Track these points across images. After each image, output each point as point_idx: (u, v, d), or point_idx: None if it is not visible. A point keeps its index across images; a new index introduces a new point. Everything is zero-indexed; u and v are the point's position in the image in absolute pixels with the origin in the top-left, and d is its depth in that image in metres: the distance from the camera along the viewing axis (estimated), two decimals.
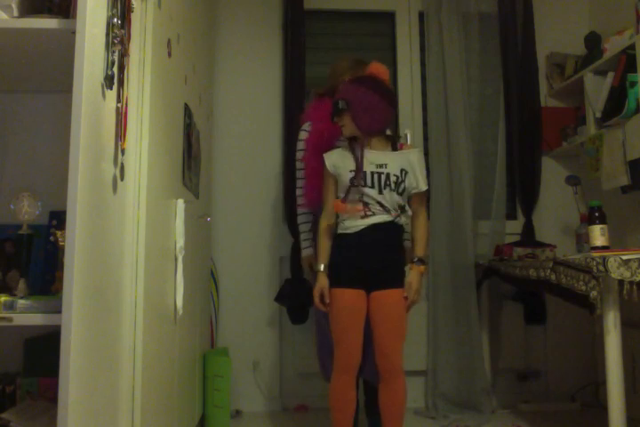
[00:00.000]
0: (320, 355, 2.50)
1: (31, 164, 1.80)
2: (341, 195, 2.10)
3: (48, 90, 1.75)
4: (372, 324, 2.07)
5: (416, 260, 2.13)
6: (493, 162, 3.26)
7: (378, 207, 2.07)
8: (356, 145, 2.13)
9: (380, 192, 2.07)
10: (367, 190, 2.07)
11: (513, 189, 3.33)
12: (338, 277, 2.09)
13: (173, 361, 1.93)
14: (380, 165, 2.09)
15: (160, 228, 1.74)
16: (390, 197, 2.08)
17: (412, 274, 2.11)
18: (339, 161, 2.14)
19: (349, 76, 2.34)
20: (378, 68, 2.18)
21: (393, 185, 2.08)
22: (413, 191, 2.14)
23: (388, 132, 2.36)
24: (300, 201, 2.50)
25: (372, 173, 2.08)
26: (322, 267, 2.12)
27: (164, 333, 1.80)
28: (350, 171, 2.08)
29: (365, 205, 2.07)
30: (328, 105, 2.24)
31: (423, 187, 2.15)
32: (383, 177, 2.08)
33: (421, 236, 2.17)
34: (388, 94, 2.12)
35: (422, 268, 2.13)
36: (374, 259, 2.07)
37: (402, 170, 2.10)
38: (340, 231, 2.12)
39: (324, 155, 2.19)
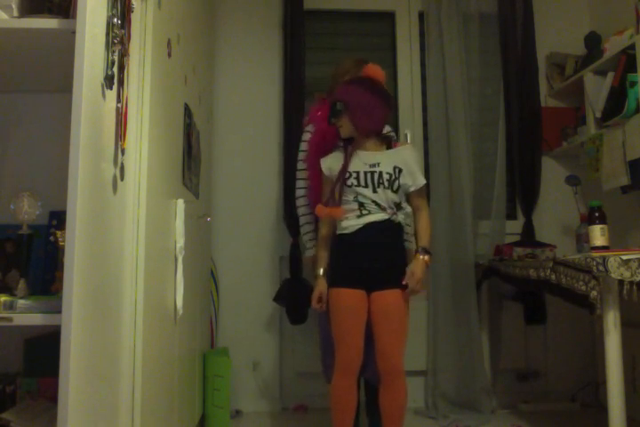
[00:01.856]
0: (322, 355, 2.50)
1: (31, 164, 1.80)
2: (342, 197, 2.10)
3: (48, 90, 1.75)
4: (372, 325, 2.07)
5: (420, 249, 2.12)
6: (493, 162, 3.26)
7: (373, 206, 2.08)
8: (347, 146, 2.15)
9: (374, 191, 2.08)
10: (361, 190, 2.08)
11: (513, 189, 3.33)
12: (338, 277, 2.10)
13: (173, 361, 1.93)
14: (373, 165, 2.11)
15: (160, 228, 1.74)
16: (385, 196, 2.09)
17: (416, 263, 2.10)
18: (333, 164, 2.16)
19: (349, 77, 2.34)
20: (374, 71, 2.20)
21: (386, 183, 2.09)
22: (411, 189, 2.14)
23: (388, 129, 2.38)
24: (302, 202, 2.50)
25: (366, 173, 2.09)
26: (321, 271, 2.16)
27: (164, 333, 1.80)
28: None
29: (361, 204, 2.08)
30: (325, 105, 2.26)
31: (421, 181, 2.15)
32: (376, 176, 2.09)
33: (425, 228, 2.18)
34: (383, 95, 2.14)
35: (427, 258, 2.11)
36: (373, 258, 2.07)
37: (395, 168, 2.11)
38: (338, 232, 2.13)
39: (321, 160, 2.21)
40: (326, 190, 2.17)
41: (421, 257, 2.11)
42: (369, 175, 2.09)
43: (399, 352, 2.06)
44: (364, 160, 2.11)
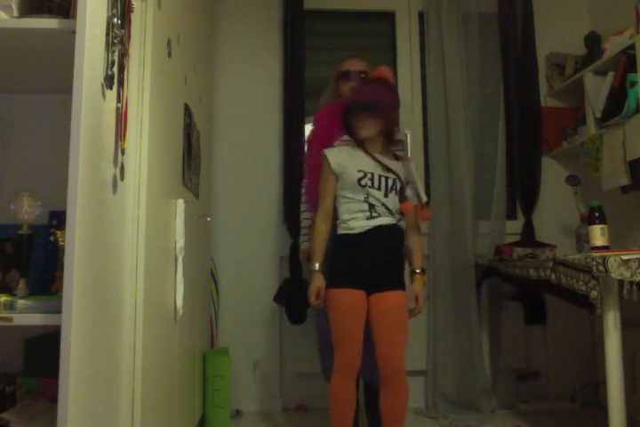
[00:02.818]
0: (321, 355, 2.50)
1: (31, 164, 1.80)
2: (350, 195, 2.09)
3: (48, 90, 1.75)
4: (372, 327, 2.05)
5: (419, 271, 2.15)
6: (493, 162, 3.26)
7: (383, 209, 2.08)
8: (367, 146, 2.13)
9: (386, 195, 2.08)
10: (374, 192, 2.07)
11: (513, 189, 3.33)
12: (338, 277, 2.07)
13: (173, 361, 1.93)
14: (387, 170, 2.11)
15: (160, 228, 1.74)
16: (393, 202, 2.09)
17: (418, 285, 2.12)
18: (344, 159, 2.13)
19: (338, 72, 2.46)
20: (383, 73, 2.24)
21: (398, 190, 2.10)
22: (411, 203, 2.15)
23: (400, 137, 2.40)
24: (303, 198, 2.52)
25: (380, 176, 2.09)
26: (316, 266, 2.09)
27: (164, 333, 1.80)
28: (359, 171, 2.08)
29: (371, 206, 2.07)
30: (330, 105, 2.26)
31: (424, 197, 2.16)
32: (390, 181, 2.10)
33: (419, 247, 2.19)
34: (397, 97, 2.22)
35: (425, 278, 2.16)
36: (376, 260, 2.06)
37: (405, 179, 2.14)
38: (342, 232, 2.11)
39: (326, 152, 2.17)
40: (328, 185, 2.14)
41: (420, 278, 2.14)
42: (383, 179, 2.09)
43: (400, 354, 2.05)
44: (375, 163, 2.11)
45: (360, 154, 2.14)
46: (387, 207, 2.08)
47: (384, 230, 2.07)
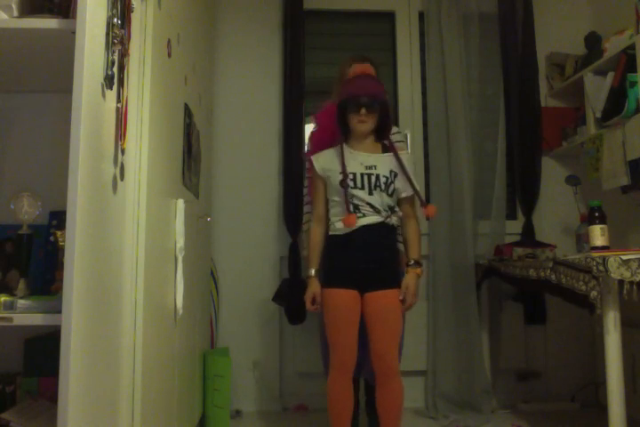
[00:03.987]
0: (323, 356, 2.49)
1: (31, 164, 1.80)
2: (336, 198, 2.10)
3: (48, 90, 1.75)
4: (366, 325, 2.06)
5: (412, 263, 2.12)
6: (493, 162, 3.26)
7: (368, 208, 2.07)
8: (344, 147, 2.14)
9: (370, 193, 2.07)
10: (357, 192, 2.07)
11: (513, 189, 3.33)
12: (330, 277, 2.09)
13: (173, 361, 1.93)
14: (370, 167, 2.10)
15: (160, 228, 1.74)
16: (380, 199, 2.08)
17: (409, 277, 2.09)
18: (328, 163, 2.14)
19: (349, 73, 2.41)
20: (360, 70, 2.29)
21: (383, 186, 2.08)
22: (403, 195, 2.13)
23: (396, 129, 2.38)
24: (306, 200, 2.52)
25: (362, 175, 2.08)
26: (312, 272, 2.13)
27: (164, 333, 1.80)
28: (340, 173, 2.09)
29: (355, 206, 2.07)
30: (332, 104, 2.26)
31: (412, 189, 2.13)
32: (373, 178, 2.08)
33: (414, 238, 2.16)
34: None
35: (419, 270, 2.12)
36: (366, 259, 2.06)
37: (391, 171, 2.11)
38: (331, 233, 2.13)
39: (312, 157, 2.19)
40: (318, 190, 2.16)
41: (413, 270, 2.10)
42: (365, 177, 2.08)
43: (394, 353, 2.05)
44: (360, 161, 2.10)
45: (345, 154, 2.13)
46: (372, 206, 2.07)
47: (371, 229, 2.06)
